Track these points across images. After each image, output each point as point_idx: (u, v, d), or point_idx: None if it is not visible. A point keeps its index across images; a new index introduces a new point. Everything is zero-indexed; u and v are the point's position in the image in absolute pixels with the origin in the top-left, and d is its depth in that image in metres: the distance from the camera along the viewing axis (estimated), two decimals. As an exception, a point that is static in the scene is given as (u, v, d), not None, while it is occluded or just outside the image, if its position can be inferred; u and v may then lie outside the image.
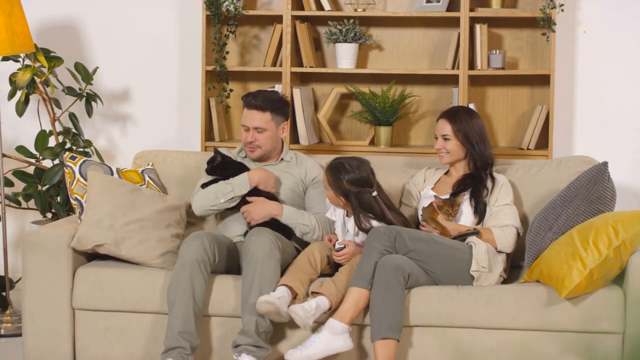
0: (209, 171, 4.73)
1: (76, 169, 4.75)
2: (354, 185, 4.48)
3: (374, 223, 4.47)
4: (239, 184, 4.64)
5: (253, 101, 4.73)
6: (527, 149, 5.59)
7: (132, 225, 4.57)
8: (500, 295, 4.29)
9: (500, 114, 5.81)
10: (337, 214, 4.61)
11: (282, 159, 4.83)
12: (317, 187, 4.76)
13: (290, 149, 4.95)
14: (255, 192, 4.67)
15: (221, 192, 4.65)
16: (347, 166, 4.50)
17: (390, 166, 4.99)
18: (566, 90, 5.75)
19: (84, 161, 4.78)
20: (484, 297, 4.28)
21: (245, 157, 4.86)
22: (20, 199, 5.54)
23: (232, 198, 4.64)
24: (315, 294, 4.32)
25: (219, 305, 4.41)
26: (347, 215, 4.58)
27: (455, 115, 4.66)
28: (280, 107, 4.77)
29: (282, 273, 4.40)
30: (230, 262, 4.56)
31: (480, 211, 4.56)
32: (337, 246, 4.53)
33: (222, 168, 4.72)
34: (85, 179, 4.71)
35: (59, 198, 5.52)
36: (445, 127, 4.65)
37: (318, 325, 4.30)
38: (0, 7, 5.12)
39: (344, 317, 4.22)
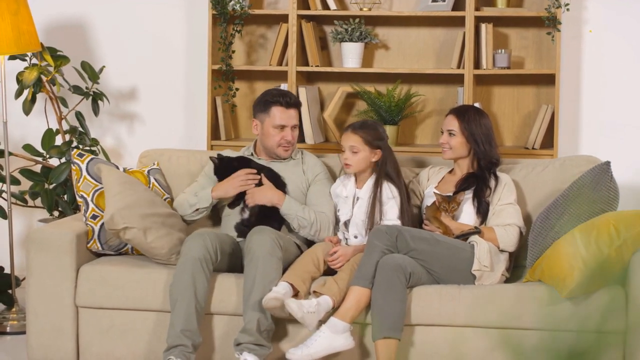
0: (219, 178, 4.76)
1: (83, 166, 4.73)
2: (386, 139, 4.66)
3: (385, 186, 4.54)
4: (202, 198, 4.70)
5: (288, 100, 4.79)
6: (533, 148, 5.57)
7: (155, 217, 4.56)
8: (501, 295, 4.29)
9: (506, 114, 5.80)
10: (347, 189, 4.63)
11: (291, 157, 4.86)
12: (319, 184, 4.77)
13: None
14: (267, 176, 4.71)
15: (188, 203, 4.73)
16: (376, 122, 4.74)
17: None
18: (572, 89, 5.74)
19: (92, 159, 4.77)
20: (485, 296, 4.28)
21: (252, 155, 4.87)
22: (27, 197, 5.57)
23: (198, 210, 4.70)
24: (317, 293, 4.33)
25: (221, 304, 4.43)
26: (357, 187, 4.61)
27: (464, 113, 4.68)
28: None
29: (284, 272, 4.40)
30: (232, 260, 4.57)
31: (482, 211, 4.56)
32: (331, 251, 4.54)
33: (225, 171, 4.74)
34: (92, 177, 4.70)
35: (65, 196, 5.54)
36: (453, 123, 4.66)
37: (319, 324, 4.31)
38: (6, 6, 5.14)
39: (345, 316, 4.23)
